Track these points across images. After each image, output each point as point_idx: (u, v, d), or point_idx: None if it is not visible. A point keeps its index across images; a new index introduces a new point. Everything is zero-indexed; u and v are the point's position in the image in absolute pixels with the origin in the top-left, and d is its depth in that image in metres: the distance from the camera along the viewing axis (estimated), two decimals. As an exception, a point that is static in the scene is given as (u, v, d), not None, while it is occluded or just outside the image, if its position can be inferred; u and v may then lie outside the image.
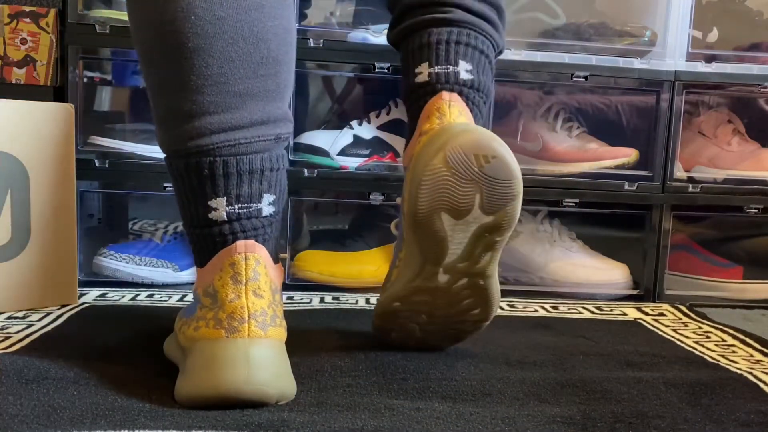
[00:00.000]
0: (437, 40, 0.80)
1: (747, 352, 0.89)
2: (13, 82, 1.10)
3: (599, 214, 1.23)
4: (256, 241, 0.67)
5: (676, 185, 1.19)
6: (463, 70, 0.79)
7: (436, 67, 0.79)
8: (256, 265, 0.66)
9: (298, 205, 1.22)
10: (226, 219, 0.67)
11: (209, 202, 0.67)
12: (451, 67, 0.79)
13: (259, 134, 0.68)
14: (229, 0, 0.66)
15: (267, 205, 0.69)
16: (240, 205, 0.67)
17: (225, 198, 0.67)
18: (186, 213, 0.69)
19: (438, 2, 0.81)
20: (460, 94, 0.79)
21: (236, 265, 0.66)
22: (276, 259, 0.71)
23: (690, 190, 1.19)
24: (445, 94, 0.78)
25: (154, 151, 1.13)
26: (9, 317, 0.93)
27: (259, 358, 0.63)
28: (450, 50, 0.79)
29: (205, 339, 0.65)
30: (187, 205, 0.69)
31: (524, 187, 1.17)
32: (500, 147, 0.70)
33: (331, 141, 1.16)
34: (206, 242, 0.68)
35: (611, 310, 1.10)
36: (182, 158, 0.67)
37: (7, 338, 0.82)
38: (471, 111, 0.79)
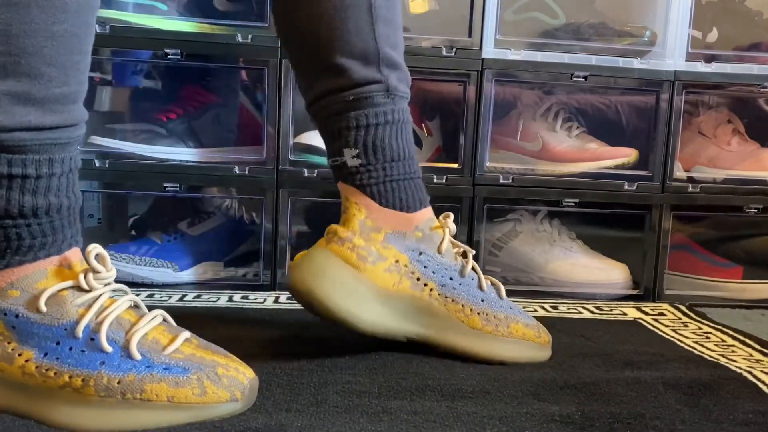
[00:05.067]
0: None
1: (746, 351, 0.89)
2: (14, 82, 1.10)
3: (599, 214, 1.23)
4: None
5: (675, 185, 1.19)
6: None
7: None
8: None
9: (299, 205, 1.22)
10: None
11: None
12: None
13: None
14: None
15: None
16: None
17: None
18: None
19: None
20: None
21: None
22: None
23: (690, 190, 1.19)
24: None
25: (154, 151, 1.13)
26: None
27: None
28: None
29: None
30: None
31: (524, 187, 1.19)
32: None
33: (331, 141, 1.16)
34: None
35: (611, 310, 1.10)
36: None
37: (6, 338, 0.82)
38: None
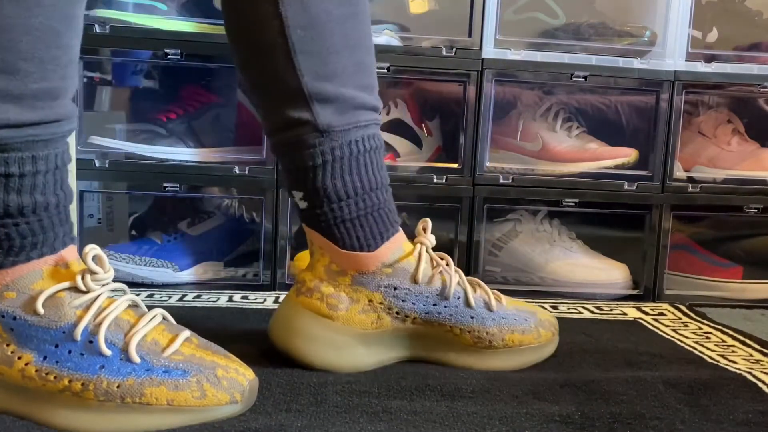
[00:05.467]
0: None
1: (746, 352, 0.89)
2: (14, 82, 1.10)
3: (599, 214, 1.23)
4: None
5: (675, 185, 1.19)
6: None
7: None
8: None
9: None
10: None
11: None
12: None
13: None
14: None
15: None
16: None
17: None
18: None
19: None
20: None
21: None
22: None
23: (690, 190, 1.19)
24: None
25: (154, 151, 1.13)
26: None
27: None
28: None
29: None
30: None
31: (524, 187, 1.19)
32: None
33: (330, 141, 1.16)
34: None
35: (611, 310, 1.10)
36: None
37: (6, 338, 0.82)
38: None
